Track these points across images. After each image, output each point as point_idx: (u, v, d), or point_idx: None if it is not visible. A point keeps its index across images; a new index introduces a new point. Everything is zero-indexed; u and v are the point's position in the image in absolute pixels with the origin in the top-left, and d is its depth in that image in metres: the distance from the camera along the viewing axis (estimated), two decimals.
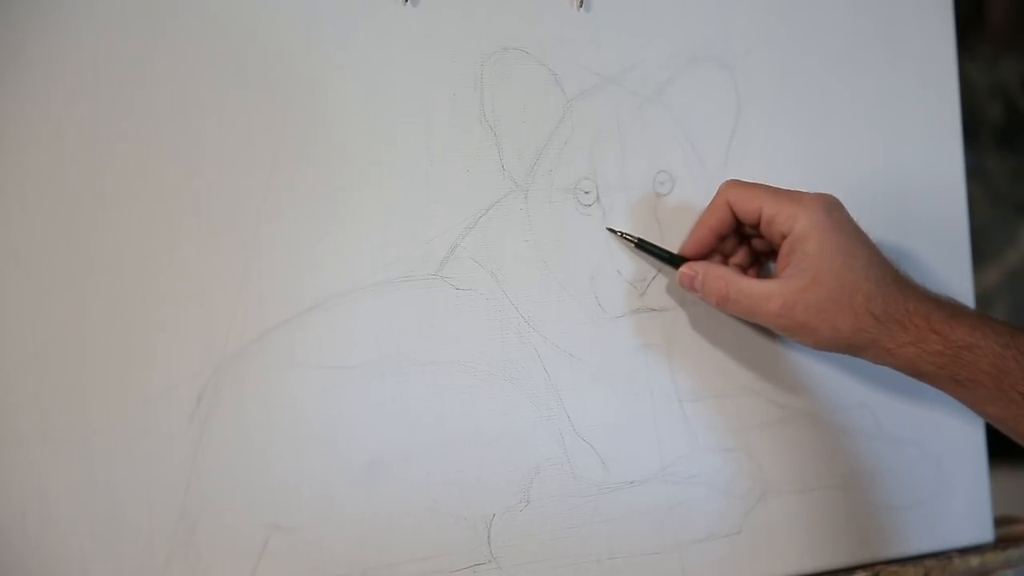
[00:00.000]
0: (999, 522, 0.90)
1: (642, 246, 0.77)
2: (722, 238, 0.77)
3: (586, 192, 0.76)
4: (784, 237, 0.73)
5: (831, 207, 0.73)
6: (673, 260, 0.77)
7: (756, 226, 0.75)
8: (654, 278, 0.78)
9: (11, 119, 0.62)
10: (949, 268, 0.79)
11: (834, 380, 0.83)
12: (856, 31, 0.85)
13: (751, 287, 0.73)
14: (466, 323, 0.72)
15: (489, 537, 0.72)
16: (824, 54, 0.84)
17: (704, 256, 0.77)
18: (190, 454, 0.65)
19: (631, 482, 0.76)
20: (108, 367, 0.63)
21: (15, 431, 0.62)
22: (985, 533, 0.87)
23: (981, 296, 1.44)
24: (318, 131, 0.69)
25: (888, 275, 0.73)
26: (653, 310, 0.77)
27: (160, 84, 0.65)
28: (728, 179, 0.76)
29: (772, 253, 0.78)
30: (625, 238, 0.76)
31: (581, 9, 0.76)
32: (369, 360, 0.69)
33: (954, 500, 0.86)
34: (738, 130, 0.81)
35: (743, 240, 0.79)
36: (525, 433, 0.73)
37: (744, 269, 0.78)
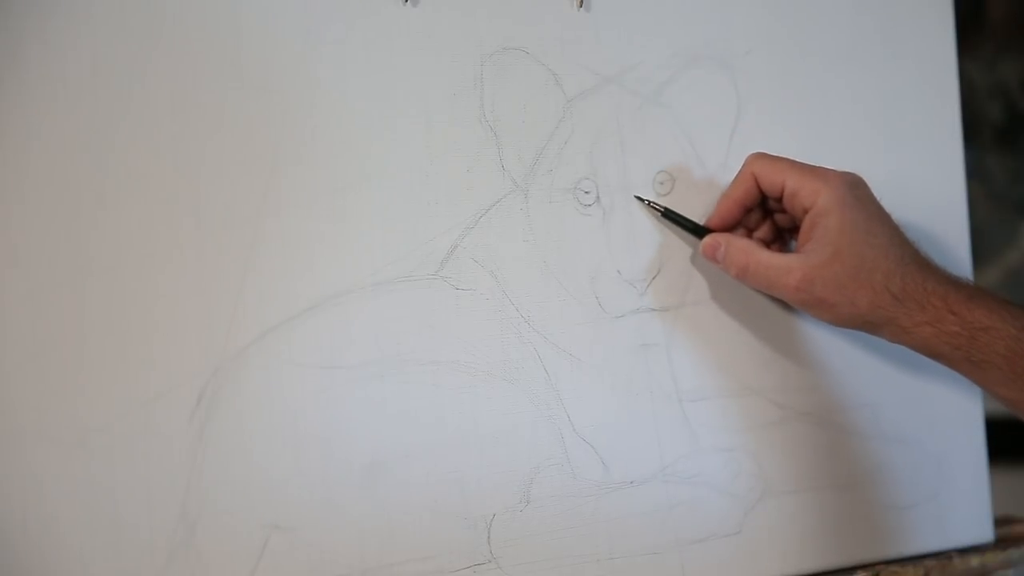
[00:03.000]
0: (999, 522, 0.90)
1: (668, 216, 0.77)
2: (747, 210, 0.77)
3: (586, 192, 0.76)
4: (806, 211, 0.74)
5: (854, 184, 0.74)
6: (698, 231, 0.78)
7: (779, 199, 0.76)
8: (654, 278, 0.78)
9: (11, 119, 0.62)
10: (949, 268, 0.78)
11: (835, 380, 0.83)
12: (856, 31, 0.85)
13: (771, 260, 0.74)
14: (466, 323, 0.72)
15: (489, 537, 0.71)
16: (824, 54, 0.84)
17: (729, 228, 0.78)
18: (190, 454, 0.65)
19: (631, 482, 0.76)
20: (108, 367, 0.63)
21: (15, 431, 0.62)
22: (985, 533, 0.87)
23: None
24: (318, 131, 0.69)
25: (908, 254, 0.74)
26: (653, 310, 0.77)
27: (160, 84, 0.65)
28: (754, 151, 0.76)
29: (795, 230, 0.78)
30: (652, 207, 0.77)
31: (581, 9, 0.76)
32: (369, 360, 0.69)
33: (954, 500, 0.86)
34: (738, 130, 0.81)
35: (767, 215, 0.79)
36: (525, 433, 0.73)
37: (767, 244, 0.79)
